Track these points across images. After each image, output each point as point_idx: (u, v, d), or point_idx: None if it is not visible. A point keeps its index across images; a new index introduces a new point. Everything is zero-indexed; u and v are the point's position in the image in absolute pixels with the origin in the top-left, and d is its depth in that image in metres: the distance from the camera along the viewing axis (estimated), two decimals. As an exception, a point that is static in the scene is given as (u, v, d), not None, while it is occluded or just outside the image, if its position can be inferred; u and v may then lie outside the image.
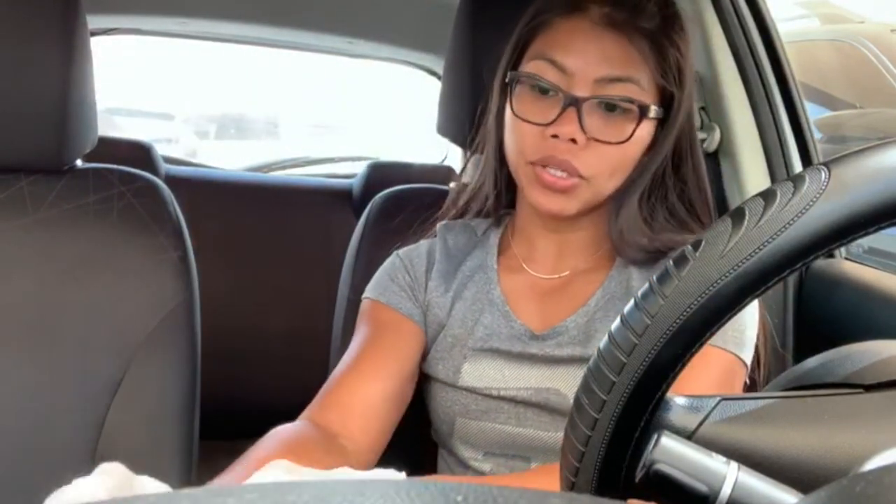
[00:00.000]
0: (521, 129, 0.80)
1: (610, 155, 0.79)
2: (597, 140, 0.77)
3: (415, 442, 0.91)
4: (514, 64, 0.84)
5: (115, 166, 0.95)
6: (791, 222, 0.40)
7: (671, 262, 0.43)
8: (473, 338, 0.84)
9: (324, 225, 1.72)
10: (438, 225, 0.94)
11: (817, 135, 1.27)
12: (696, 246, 0.43)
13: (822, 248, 0.40)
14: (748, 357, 0.80)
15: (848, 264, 1.16)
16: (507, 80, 0.83)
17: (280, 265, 1.65)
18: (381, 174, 1.79)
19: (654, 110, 0.80)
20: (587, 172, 0.78)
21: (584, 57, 0.78)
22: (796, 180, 0.42)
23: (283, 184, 1.94)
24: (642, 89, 0.80)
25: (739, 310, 0.41)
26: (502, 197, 0.91)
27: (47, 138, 0.88)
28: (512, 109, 0.81)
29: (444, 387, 0.85)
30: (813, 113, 1.40)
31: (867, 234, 0.41)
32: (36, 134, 0.88)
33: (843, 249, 1.19)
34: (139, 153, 1.73)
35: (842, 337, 0.56)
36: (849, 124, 2.82)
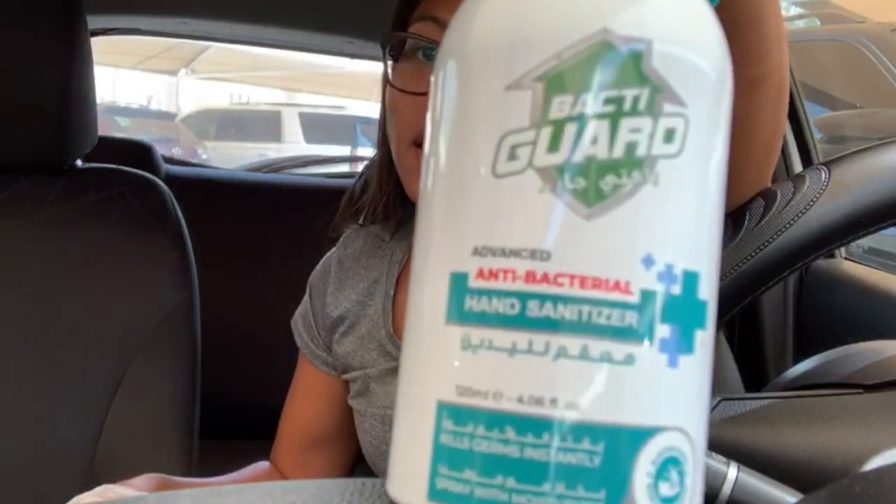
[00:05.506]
0: (400, 104, 0.63)
1: None
2: None
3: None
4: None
5: (115, 166, 0.95)
6: (791, 222, 0.40)
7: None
8: (376, 363, 0.75)
9: (324, 225, 1.72)
10: (341, 239, 0.86)
11: (817, 135, 1.26)
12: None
13: (821, 248, 0.40)
14: None
15: (848, 264, 1.15)
16: (383, 46, 0.66)
17: (280, 265, 1.65)
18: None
19: None
20: None
21: None
22: (796, 180, 0.42)
23: (283, 184, 1.93)
24: None
25: (740, 310, 0.41)
26: (391, 200, 0.76)
27: (47, 138, 0.88)
28: (390, 82, 0.64)
29: (360, 417, 0.77)
30: (813, 113, 1.40)
31: (867, 234, 0.41)
32: (36, 134, 0.88)
33: (843, 249, 1.19)
34: (139, 153, 1.73)
35: (842, 337, 0.56)
36: (849, 124, 2.82)
